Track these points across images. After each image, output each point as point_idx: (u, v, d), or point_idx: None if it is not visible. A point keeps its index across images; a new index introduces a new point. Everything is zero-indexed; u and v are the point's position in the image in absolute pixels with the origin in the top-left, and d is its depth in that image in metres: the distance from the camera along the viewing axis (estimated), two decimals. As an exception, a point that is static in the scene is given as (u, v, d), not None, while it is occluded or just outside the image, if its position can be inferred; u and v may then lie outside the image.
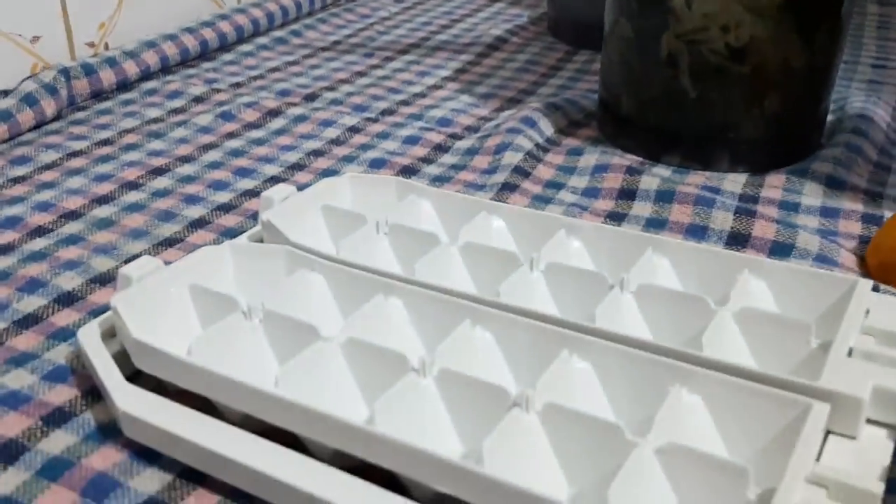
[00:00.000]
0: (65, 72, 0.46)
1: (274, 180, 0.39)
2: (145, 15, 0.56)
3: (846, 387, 0.22)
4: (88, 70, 0.48)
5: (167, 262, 0.32)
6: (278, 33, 0.60)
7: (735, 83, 0.39)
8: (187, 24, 0.55)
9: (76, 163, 0.41)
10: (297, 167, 0.40)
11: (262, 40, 0.59)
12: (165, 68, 0.52)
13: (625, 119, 0.43)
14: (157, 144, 0.43)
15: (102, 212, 0.36)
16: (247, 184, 0.39)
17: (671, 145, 0.41)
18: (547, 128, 0.45)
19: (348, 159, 0.41)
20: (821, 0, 0.39)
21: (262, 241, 0.31)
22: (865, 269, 0.32)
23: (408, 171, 0.40)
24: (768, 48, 0.39)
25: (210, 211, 0.36)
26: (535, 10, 0.65)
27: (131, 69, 0.50)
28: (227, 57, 0.56)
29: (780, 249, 0.33)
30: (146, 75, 0.51)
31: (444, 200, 0.32)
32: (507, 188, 0.38)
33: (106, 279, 0.31)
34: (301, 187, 0.38)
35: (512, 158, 0.40)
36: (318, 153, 0.42)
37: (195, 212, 0.36)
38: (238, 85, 0.51)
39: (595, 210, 0.36)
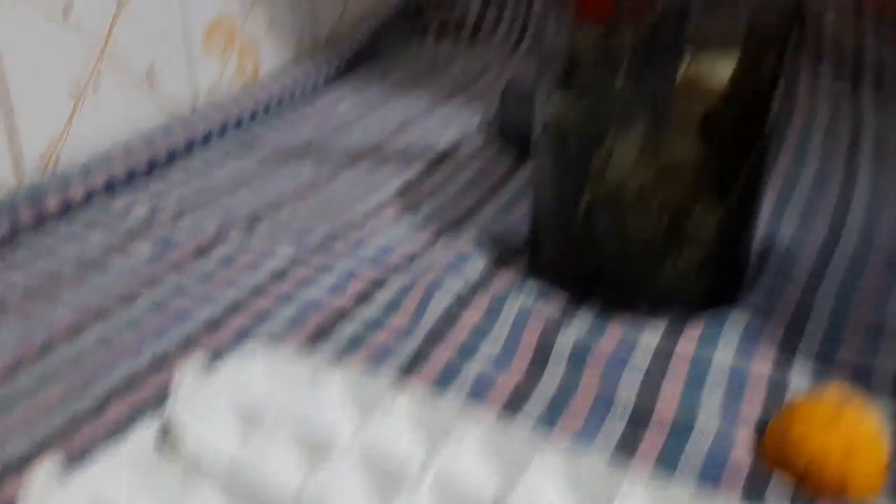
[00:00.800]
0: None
1: (189, 342, 0.39)
2: (93, 128, 0.56)
3: None
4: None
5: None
6: (231, 141, 0.60)
7: (652, 237, 0.40)
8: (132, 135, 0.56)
9: None
10: (213, 326, 0.40)
11: (211, 153, 0.59)
12: (110, 187, 0.53)
13: (549, 263, 0.43)
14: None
15: None
16: (161, 345, 0.39)
17: (592, 293, 0.42)
18: (477, 266, 0.45)
19: (266, 317, 0.41)
20: (736, 157, 0.40)
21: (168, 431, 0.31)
22: (762, 452, 0.32)
23: (322, 334, 0.40)
24: (685, 204, 0.39)
25: (118, 384, 0.36)
26: (490, 111, 0.66)
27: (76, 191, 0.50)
28: (174, 174, 0.56)
29: (680, 431, 0.33)
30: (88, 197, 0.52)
31: (345, 386, 0.33)
32: (420, 357, 0.38)
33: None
34: (217, 352, 0.38)
35: (433, 314, 0.41)
36: (238, 306, 0.42)
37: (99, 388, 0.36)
38: (179, 212, 0.51)
39: (502, 387, 0.37)
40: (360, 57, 0.77)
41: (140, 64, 0.58)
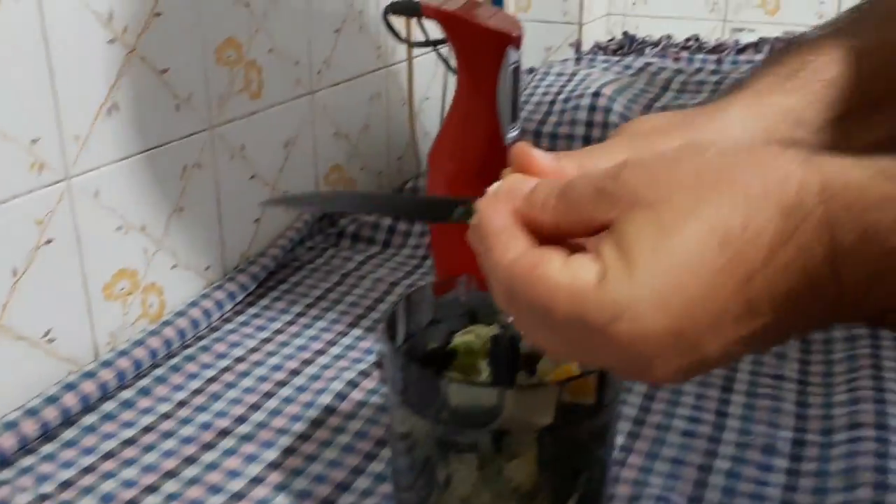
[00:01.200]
0: None
1: None
2: None
3: None
4: None
5: None
6: (126, 394, 0.62)
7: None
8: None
9: None
10: None
11: (88, 420, 0.60)
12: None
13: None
14: None
15: None
16: None
17: None
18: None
19: None
20: (570, 480, 0.42)
21: None
22: None
23: None
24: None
25: None
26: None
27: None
28: (49, 448, 0.57)
29: None
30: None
31: None
32: None
33: None
34: None
35: None
36: None
37: None
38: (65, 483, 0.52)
39: None
40: (272, 274, 0.79)
41: (37, 328, 0.60)
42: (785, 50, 0.47)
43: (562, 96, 0.85)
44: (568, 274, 0.31)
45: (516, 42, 0.52)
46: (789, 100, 0.43)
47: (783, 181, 0.30)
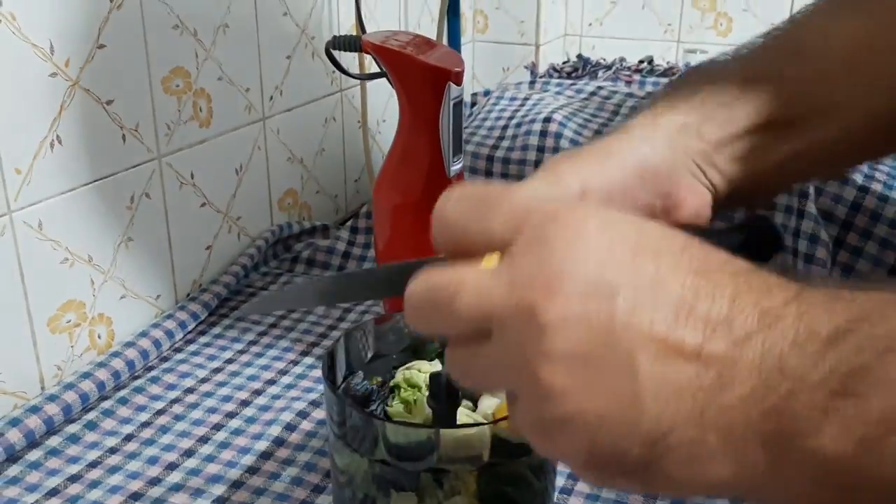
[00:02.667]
0: None
1: None
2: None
3: None
4: None
5: None
6: (72, 428, 0.61)
7: None
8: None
9: None
10: None
11: (32, 455, 0.60)
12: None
13: None
14: None
15: None
16: None
17: None
18: None
19: None
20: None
21: None
22: None
23: None
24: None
25: None
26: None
27: None
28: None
29: None
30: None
31: None
32: None
33: None
34: None
35: None
36: None
37: None
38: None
39: None
40: (225, 301, 0.79)
41: (-22, 364, 0.59)
42: (682, 78, 0.49)
43: (514, 121, 0.86)
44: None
45: (456, 78, 0.52)
46: (685, 118, 0.46)
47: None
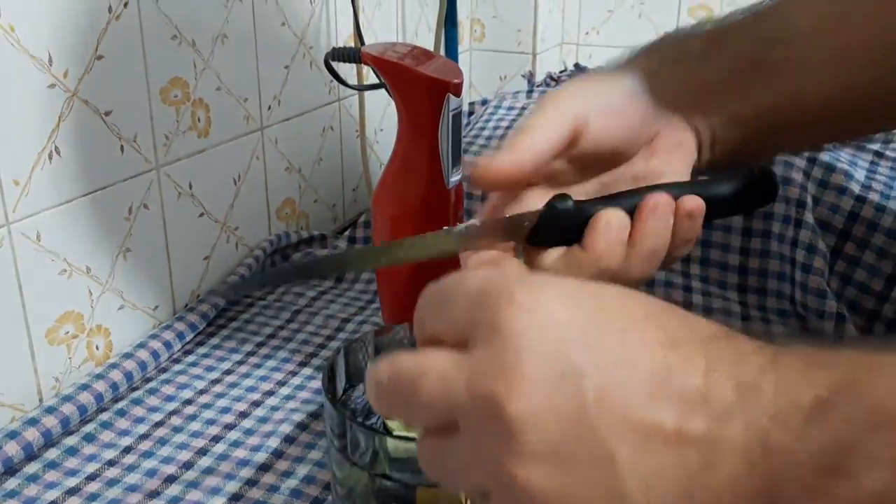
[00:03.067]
0: None
1: None
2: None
3: None
4: None
5: None
6: (70, 440, 0.61)
7: None
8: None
9: None
10: None
11: (31, 468, 0.60)
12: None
13: None
14: None
15: None
16: None
17: None
18: None
19: None
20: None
21: None
22: None
23: None
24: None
25: None
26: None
27: None
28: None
29: None
30: None
31: None
32: None
33: None
34: None
35: None
36: None
37: None
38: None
39: None
40: (223, 312, 0.79)
41: (-24, 376, 0.59)
42: (653, 42, 0.52)
43: (512, 130, 0.86)
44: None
45: (456, 89, 0.52)
46: (662, 65, 0.49)
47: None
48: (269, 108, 0.85)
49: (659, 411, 0.27)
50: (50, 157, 0.62)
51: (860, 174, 0.76)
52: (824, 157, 0.76)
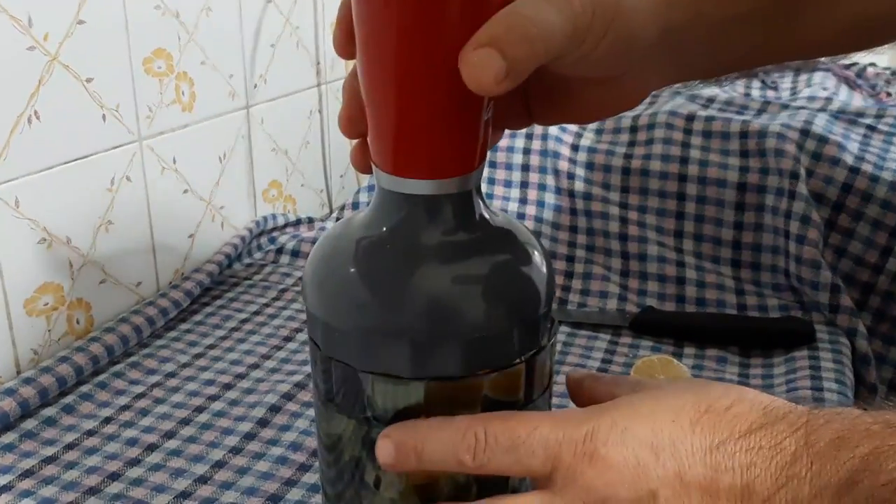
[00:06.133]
0: None
1: None
2: None
3: None
4: None
5: None
6: (48, 411, 0.59)
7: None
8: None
9: None
10: None
11: (6, 438, 0.58)
12: None
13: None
14: None
15: None
16: None
17: None
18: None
19: None
20: None
21: None
22: None
23: None
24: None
25: None
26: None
27: None
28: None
29: None
30: None
31: None
32: None
33: None
34: None
35: None
36: None
37: None
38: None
39: None
40: (207, 290, 0.77)
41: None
42: None
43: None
44: None
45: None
46: None
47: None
48: (255, 86, 0.84)
49: None
50: (29, 121, 0.61)
51: (853, 146, 0.76)
52: (817, 129, 0.75)
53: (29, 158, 0.61)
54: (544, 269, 0.39)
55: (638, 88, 0.44)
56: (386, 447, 0.37)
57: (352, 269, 0.38)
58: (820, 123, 0.76)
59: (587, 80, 0.41)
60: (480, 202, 0.39)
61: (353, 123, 0.39)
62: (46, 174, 0.62)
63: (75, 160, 0.65)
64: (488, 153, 0.39)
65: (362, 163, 0.40)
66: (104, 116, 0.67)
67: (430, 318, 0.36)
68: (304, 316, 0.74)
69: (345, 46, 0.37)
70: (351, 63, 0.37)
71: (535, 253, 0.40)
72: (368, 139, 0.37)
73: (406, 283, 0.37)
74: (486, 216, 0.39)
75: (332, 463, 0.42)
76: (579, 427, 0.35)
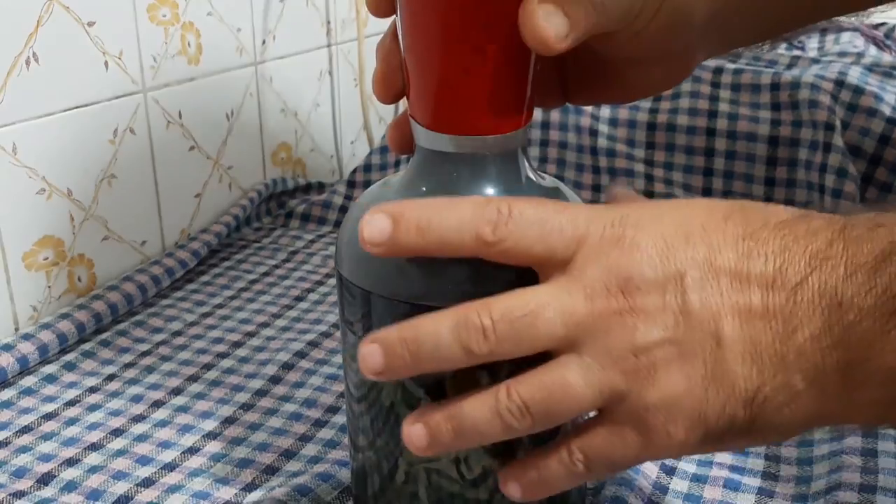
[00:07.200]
0: None
1: None
2: None
3: None
4: None
5: None
6: (48, 368, 0.56)
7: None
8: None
9: None
10: None
11: (5, 394, 0.55)
12: None
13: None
14: None
15: None
16: None
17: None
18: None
19: None
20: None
21: None
22: None
23: None
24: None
25: None
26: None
27: None
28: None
29: None
30: None
31: None
32: None
33: None
34: None
35: None
36: None
37: None
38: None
39: None
40: (214, 252, 0.74)
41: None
42: None
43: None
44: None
45: None
46: None
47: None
48: (264, 42, 0.80)
49: (747, 292, 0.31)
50: (27, 64, 0.57)
51: (890, 98, 0.72)
52: (852, 79, 0.72)
53: (27, 103, 0.58)
54: None
55: (682, 67, 0.44)
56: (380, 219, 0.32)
57: None
58: (854, 75, 0.73)
59: (632, 60, 0.40)
60: (527, 164, 0.38)
61: (388, 84, 0.38)
62: (46, 120, 0.59)
63: (76, 108, 0.62)
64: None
65: (399, 141, 0.39)
66: (106, 63, 0.64)
67: (472, 281, 0.34)
68: (316, 277, 0.71)
69: (379, 4, 0.37)
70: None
71: None
72: (409, 99, 0.36)
73: None
74: (533, 178, 0.38)
75: (365, 410, 0.39)
76: (611, 211, 0.33)
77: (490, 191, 0.36)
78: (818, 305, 0.30)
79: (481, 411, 0.32)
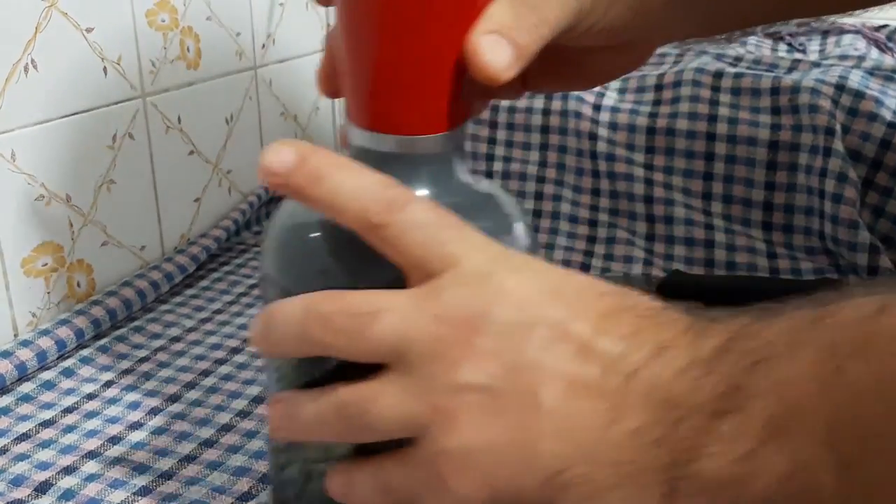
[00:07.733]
0: None
1: None
2: None
3: None
4: None
5: None
6: (46, 374, 0.56)
7: None
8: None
9: None
10: None
11: (2, 402, 0.55)
12: None
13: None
14: None
15: None
16: None
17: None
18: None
19: None
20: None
21: None
22: None
23: None
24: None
25: None
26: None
27: None
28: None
29: None
30: None
31: None
32: None
33: None
34: None
35: None
36: None
37: None
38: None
39: None
40: (213, 257, 0.74)
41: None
42: None
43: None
44: None
45: None
46: None
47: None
48: (263, 46, 0.80)
49: (585, 367, 0.29)
50: (26, 70, 0.57)
51: (891, 102, 0.72)
52: (853, 84, 0.72)
53: (26, 110, 0.58)
54: (525, 241, 0.36)
55: (641, 51, 0.43)
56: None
57: (314, 234, 0.35)
58: (855, 79, 0.73)
59: (590, 49, 0.39)
60: (461, 167, 0.36)
61: (329, 80, 0.38)
62: (44, 127, 0.59)
63: (75, 114, 0.62)
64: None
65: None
66: (105, 69, 0.64)
67: (397, 287, 0.32)
68: (315, 281, 0.71)
69: None
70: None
71: (517, 224, 0.37)
72: (344, 95, 0.36)
73: (371, 249, 0.32)
74: (467, 182, 0.37)
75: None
76: (502, 250, 0.32)
77: (418, 192, 0.34)
78: (646, 398, 0.28)
79: (307, 406, 0.32)
